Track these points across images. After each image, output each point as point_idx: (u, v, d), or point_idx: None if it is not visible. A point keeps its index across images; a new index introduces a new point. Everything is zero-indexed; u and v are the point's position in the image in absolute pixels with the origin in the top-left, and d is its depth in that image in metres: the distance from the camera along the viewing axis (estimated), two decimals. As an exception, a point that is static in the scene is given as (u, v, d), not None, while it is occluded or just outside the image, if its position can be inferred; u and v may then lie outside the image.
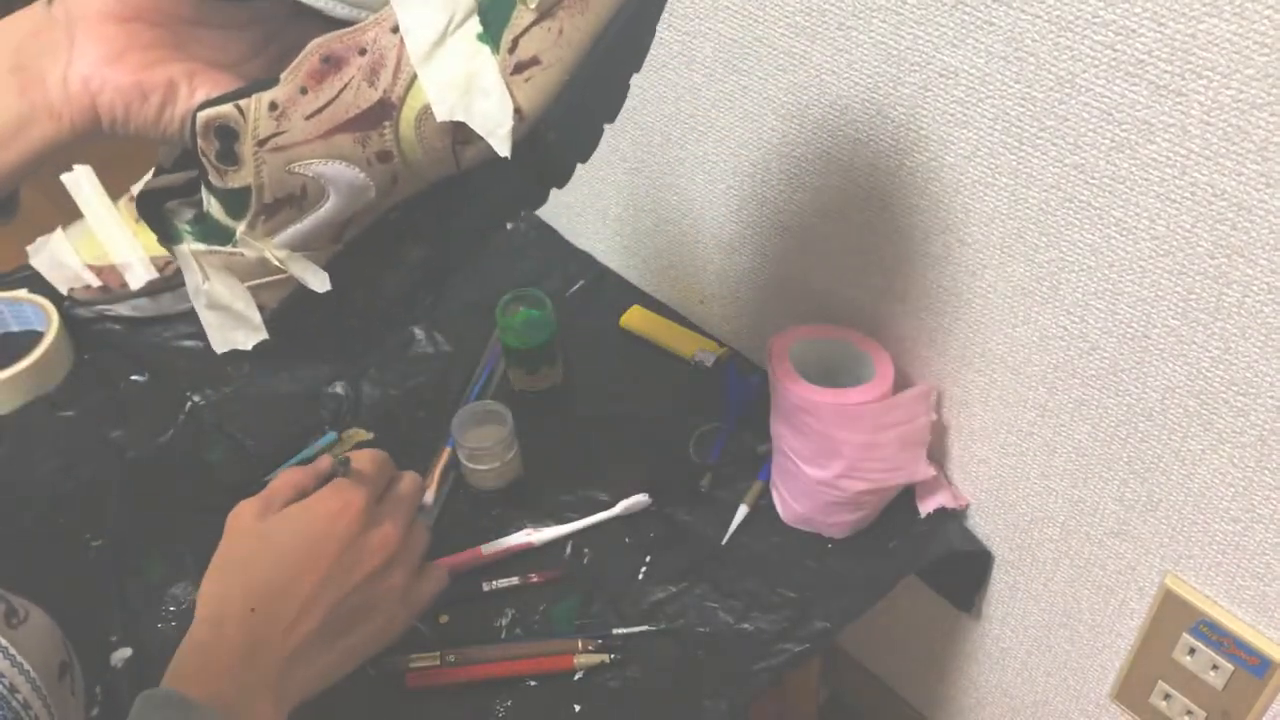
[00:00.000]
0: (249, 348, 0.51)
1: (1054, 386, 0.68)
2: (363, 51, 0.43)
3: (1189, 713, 0.72)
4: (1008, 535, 0.79)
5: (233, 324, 0.50)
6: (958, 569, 0.82)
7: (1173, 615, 0.70)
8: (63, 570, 0.74)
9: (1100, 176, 0.58)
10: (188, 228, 0.48)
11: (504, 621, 0.70)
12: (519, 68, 0.42)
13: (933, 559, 0.77)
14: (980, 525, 0.80)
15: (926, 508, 0.78)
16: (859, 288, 0.77)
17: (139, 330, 0.93)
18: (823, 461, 0.71)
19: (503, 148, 0.43)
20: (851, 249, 0.76)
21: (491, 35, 0.42)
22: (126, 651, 0.68)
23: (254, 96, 0.43)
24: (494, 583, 0.72)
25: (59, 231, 0.95)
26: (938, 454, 0.79)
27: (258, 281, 0.49)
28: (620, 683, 0.67)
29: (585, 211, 1.00)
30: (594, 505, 0.77)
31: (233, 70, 0.46)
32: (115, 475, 0.81)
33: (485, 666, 0.67)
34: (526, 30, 0.42)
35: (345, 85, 0.43)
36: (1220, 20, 0.50)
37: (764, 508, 0.78)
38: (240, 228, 0.46)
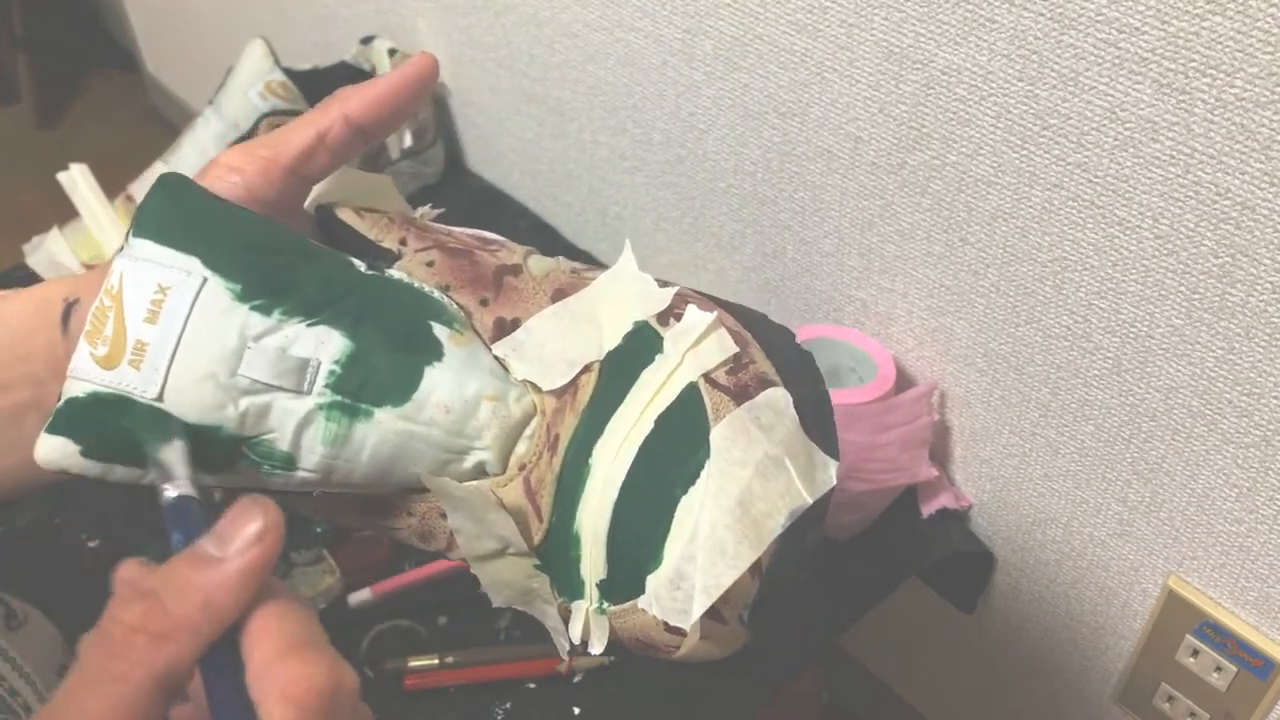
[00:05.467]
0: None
1: (1057, 387, 0.68)
2: (410, 514, 0.39)
3: (1192, 715, 0.72)
4: (1010, 536, 0.78)
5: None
6: (960, 570, 0.81)
7: (1176, 617, 0.69)
8: (62, 571, 0.73)
9: (1103, 175, 0.58)
10: None
11: (503, 623, 0.70)
12: None
13: (935, 560, 0.76)
14: (982, 526, 0.80)
15: (928, 509, 0.77)
16: (861, 287, 0.77)
17: (137, 330, 0.93)
18: (824, 462, 0.71)
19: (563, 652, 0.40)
20: (853, 247, 0.75)
21: (555, 580, 0.37)
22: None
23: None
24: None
25: (55, 231, 0.94)
26: (940, 454, 0.79)
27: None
28: (619, 685, 0.67)
29: (585, 211, 1.00)
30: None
31: None
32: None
33: (484, 668, 0.67)
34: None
35: (395, 531, 0.40)
36: (1224, 18, 0.49)
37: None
38: None
